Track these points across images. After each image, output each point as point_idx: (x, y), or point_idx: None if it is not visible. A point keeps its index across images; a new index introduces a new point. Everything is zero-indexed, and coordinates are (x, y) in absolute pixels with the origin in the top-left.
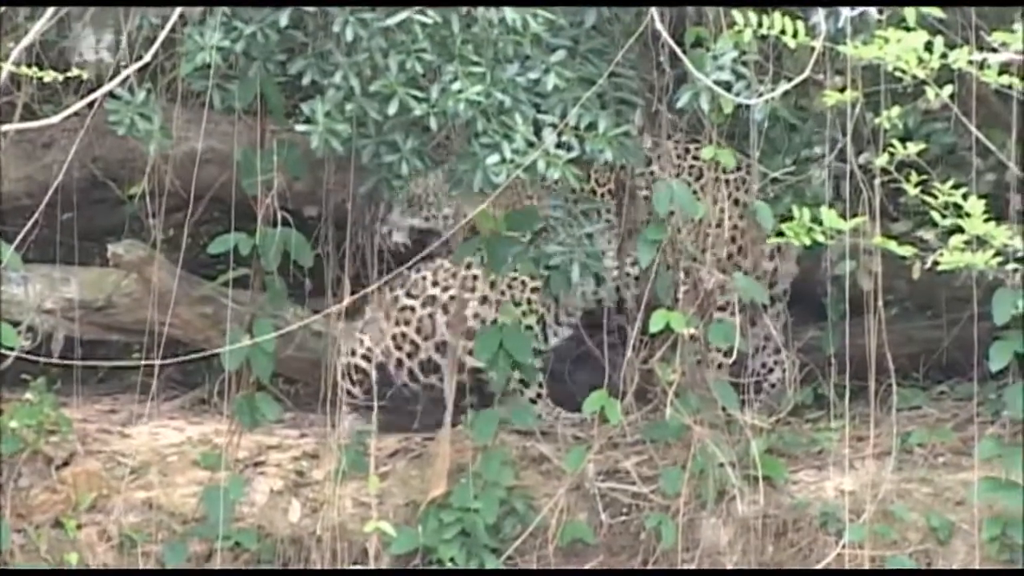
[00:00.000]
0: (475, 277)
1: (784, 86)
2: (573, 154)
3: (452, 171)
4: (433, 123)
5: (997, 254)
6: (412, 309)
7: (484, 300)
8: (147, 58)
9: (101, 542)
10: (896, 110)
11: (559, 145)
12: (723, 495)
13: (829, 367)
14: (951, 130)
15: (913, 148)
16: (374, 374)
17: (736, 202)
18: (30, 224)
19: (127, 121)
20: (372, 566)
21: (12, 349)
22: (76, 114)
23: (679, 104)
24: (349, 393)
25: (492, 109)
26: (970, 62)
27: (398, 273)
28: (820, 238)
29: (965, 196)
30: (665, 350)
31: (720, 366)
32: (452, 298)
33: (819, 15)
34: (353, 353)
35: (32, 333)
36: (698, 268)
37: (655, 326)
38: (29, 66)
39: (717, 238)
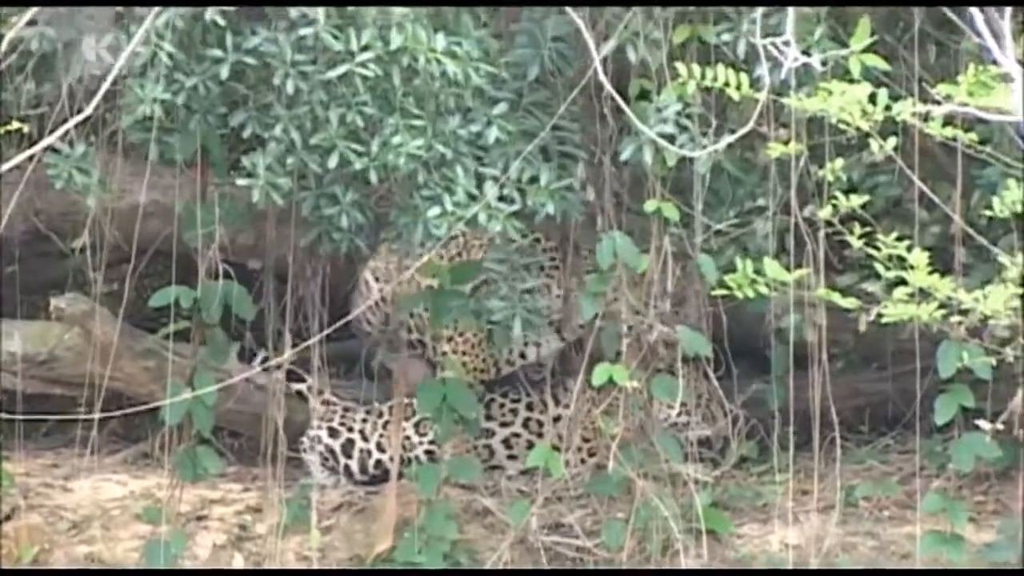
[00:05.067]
0: None
1: (728, 138)
2: (515, 207)
3: (392, 224)
4: (374, 176)
5: (941, 306)
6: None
7: None
8: (88, 111)
9: None
10: (840, 162)
11: (501, 198)
12: (667, 549)
13: (774, 420)
14: (895, 182)
15: (857, 200)
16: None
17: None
18: None
19: (65, 175)
20: None
21: None
22: (17, 167)
23: (622, 157)
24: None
25: (433, 162)
26: (914, 114)
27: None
28: (764, 290)
29: (909, 248)
30: (608, 403)
31: (665, 419)
32: None
33: (763, 68)
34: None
35: None
36: (641, 321)
37: (598, 380)
38: None
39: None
